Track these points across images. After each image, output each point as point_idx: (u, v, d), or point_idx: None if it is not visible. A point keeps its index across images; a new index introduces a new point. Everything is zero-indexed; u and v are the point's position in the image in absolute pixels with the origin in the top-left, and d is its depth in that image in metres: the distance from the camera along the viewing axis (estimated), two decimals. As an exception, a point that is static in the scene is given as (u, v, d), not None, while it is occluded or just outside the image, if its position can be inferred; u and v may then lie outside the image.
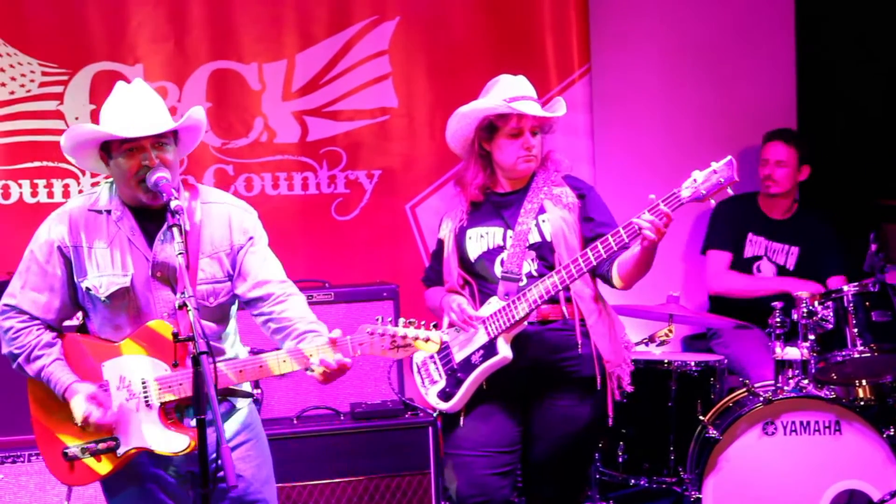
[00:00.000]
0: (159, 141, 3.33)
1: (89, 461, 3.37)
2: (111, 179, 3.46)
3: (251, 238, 3.48)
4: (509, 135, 3.97)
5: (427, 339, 3.27)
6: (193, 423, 3.34)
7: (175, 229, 3.21)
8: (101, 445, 3.34)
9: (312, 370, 3.29)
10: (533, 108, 3.94)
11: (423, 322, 3.29)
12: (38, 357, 3.39)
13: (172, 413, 3.35)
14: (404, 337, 3.26)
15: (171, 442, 3.32)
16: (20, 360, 3.41)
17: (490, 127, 3.99)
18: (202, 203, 3.47)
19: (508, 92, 3.98)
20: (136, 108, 3.33)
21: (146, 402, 3.33)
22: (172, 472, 3.44)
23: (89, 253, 3.38)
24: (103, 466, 3.38)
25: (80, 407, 3.31)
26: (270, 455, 3.60)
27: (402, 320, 3.29)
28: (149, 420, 3.33)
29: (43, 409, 3.46)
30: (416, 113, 5.72)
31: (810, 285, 5.40)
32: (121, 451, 3.35)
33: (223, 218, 3.47)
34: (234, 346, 3.54)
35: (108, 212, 3.40)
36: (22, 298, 3.42)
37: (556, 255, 3.92)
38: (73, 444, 3.36)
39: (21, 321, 3.42)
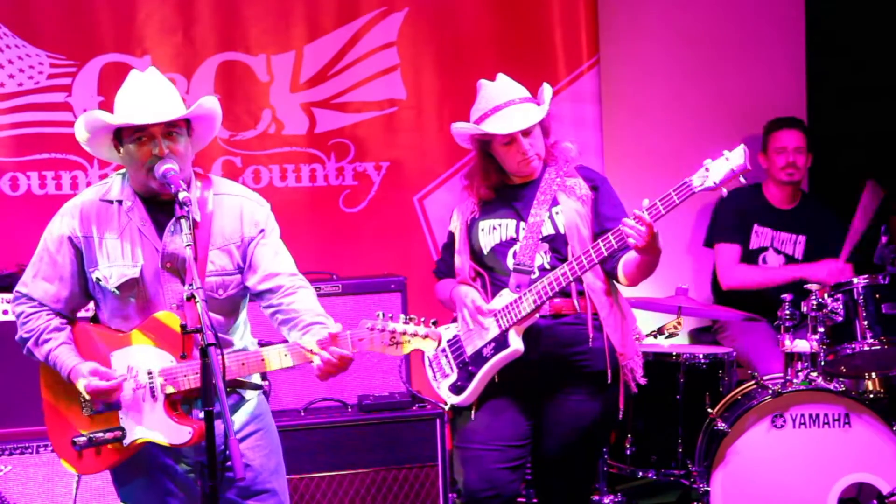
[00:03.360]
0: (170, 130, 3.32)
1: (97, 450, 3.39)
2: (123, 171, 3.47)
3: (262, 231, 3.47)
4: (502, 145, 3.95)
5: (426, 336, 3.25)
6: (201, 415, 3.35)
7: (183, 221, 3.20)
8: (108, 435, 3.36)
9: (314, 363, 3.28)
10: (508, 123, 3.89)
11: (422, 319, 3.28)
12: (46, 341, 3.41)
13: (179, 405, 3.35)
14: (403, 333, 3.24)
15: (174, 433, 3.32)
16: (29, 343, 3.44)
17: (483, 140, 3.98)
18: (214, 194, 3.47)
19: (486, 104, 3.95)
20: (147, 96, 3.32)
21: (151, 392, 3.34)
22: (182, 463, 3.45)
23: (100, 244, 3.39)
24: (111, 456, 3.40)
25: (83, 383, 3.32)
26: (281, 446, 3.60)
27: (402, 316, 3.27)
28: (154, 411, 3.34)
29: (54, 397, 3.48)
30: (425, 105, 5.72)
31: (825, 266, 5.38)
32: (127, 440, 3.37)
33: (235, 210, 3.46)
34: (242, 338, 3.54)
35: (120, 202, 3.41)
36: (33, 287, 3.45)
37: (569, 248, 3.91)
38: (82, 433, 3.38)
39: (31, 307, 3.45)
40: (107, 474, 3.55)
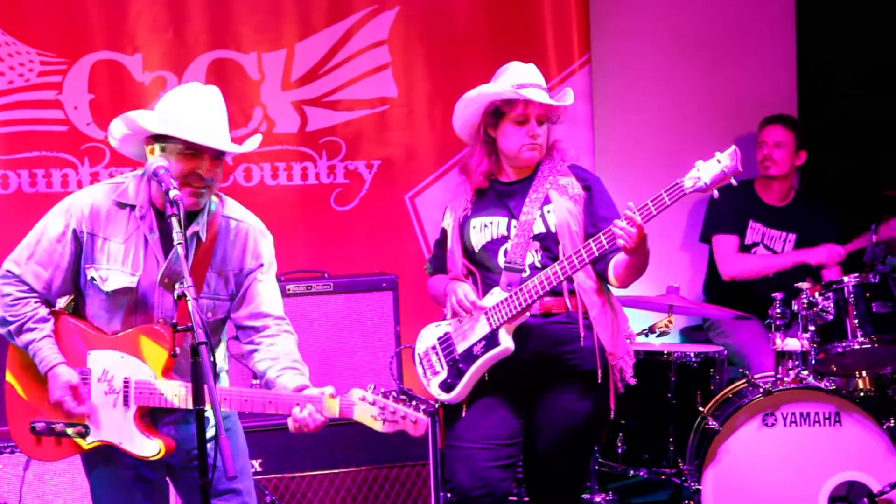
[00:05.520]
0: (219, 154, 3.34)
1: (56, 440, 3.38)
2: (136, 173, 3.44)
3: (261, 265, 3.47)
4: (515, 121, 3.94)
5: (416, 422, 3.25)
6: (168, 428, 3.38)
7: (174, 219, 3.18)
8: (71, 430, 3.35)
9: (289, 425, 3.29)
10: (540, 96, 3.92)
11: (414, 402, 3.27)
12: (31, 330, 3.37)
13: (147, 416, 3.35)
14: (394, 412, 3.24)
15: (142, 445, 3.33)
16: (12, 328, 3.39)
17: (496, 112, 3.96)
18: (223, 215, 3.46)
19: (517, 78, 3.95)
20: (217, 118, 3.34)
21: (125, 400, 3.33)
22: (147, 464, 3.44)
23: (103, 244, 3.37)
24: (69, 449, 3.39)
25: (57, 390, 3.32)
26: (247, 447, 3.60)
27: (393, 393, 3.26)
28: (124, 419, 3.33)
29: (21, 377, 3.44)
30: (416, 103, 5.71)
31: (826, 250, 5.38)
32: (89, 439, 3.36)
33: (240, 237, 3.46)
34: (223, 359, 3.55)
35: (133, 207, 3.38)
36: (25, 269, 3.40)
37: (560, 247, 3.90)
38: (43, 420, 3.36)
39: (20, 290, 3.40)
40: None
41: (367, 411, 3.24)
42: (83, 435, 3.35)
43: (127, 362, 3.34)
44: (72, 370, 3.35)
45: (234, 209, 3.51)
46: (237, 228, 3.46)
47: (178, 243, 3.16)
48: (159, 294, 3.36)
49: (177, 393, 3.29)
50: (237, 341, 3.55)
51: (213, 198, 3.45)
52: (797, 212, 5.69)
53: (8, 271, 3.43)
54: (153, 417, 3.37)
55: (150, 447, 3.32)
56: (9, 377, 3.48)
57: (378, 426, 3.25)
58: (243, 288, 3.45)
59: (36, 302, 3.41)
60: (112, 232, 3.37)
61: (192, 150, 3.29)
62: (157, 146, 3.32)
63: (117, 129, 3.38)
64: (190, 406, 3.13)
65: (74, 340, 3.40)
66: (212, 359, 3.04)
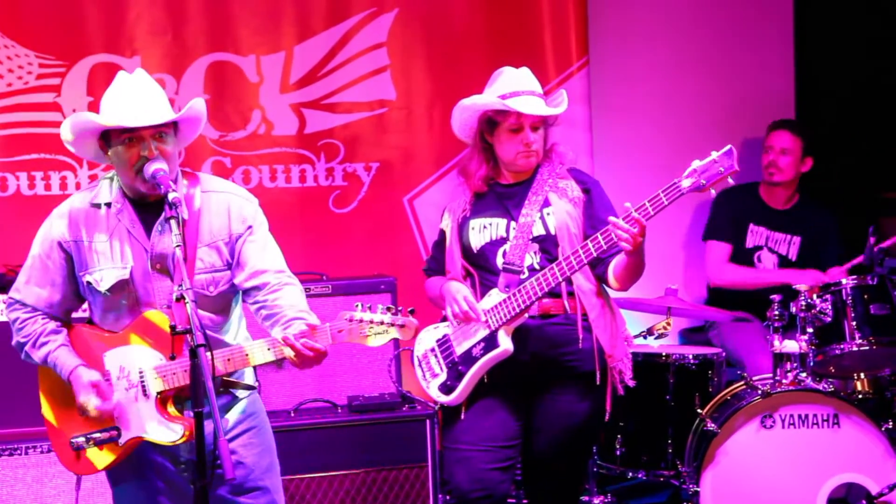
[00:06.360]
0: (159, 132, 3.33)
1: (94, 450, 3.41)
2: (111, 173, 3.48)
3: (250, 227, 3.48)
4: (509, 130, 3.95)
5: (403, 326, 3.27)
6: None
7: (172, 221, 3.20)
8: (104, 435, 3.38)
9: (288, 356, 3.29)
10: (530, 106, 3.91)
11: (399, 308, 3.29)
12: (44, 343, 3.44)
13: (171, 403, 3.36)
14: (381, 323, 3.26)
15: (166, 432, 3.34)
16: (27, 347, 3.47)
17: (490, 121, 3.98)
18: (202, 191, 3.48)
19: (508, 87, 3.96)
20: (137, 98, 3.33)
21: (143, 391, 3.34)
22: (175, 462, 3.46)
23: (90, 247, 3.40)
24: (108, 456, 3.42)
25: (81, 392, 3.36)
26: (275, 444, 3.61)
27: (380, 307, 3.28)
28: (146, 409, 3.35)
29: (52, 399, 3.51)
30: (415, 105, 5.72)
31: (810, 275, 5.39)
32: (122, 440, 3.39)
33: (222, 207, 3.47)
34: (236, 337, 3.54)
35: (109, 205, 3.42)
36: (26, 293, 3.48)
37: (559, 249, 3.91)
38: (78, 434, 3.39)
39: (26, 312, 3.48)
40: (98, 475, 3.56)
41: (357, 330, 3.26)
42: (116, 438, 3.39)
43: (138, 353, 3.37)
44: (92, 370, 3.39)
45: (212, 183, 3.54)
46: (218, 199, 3.48)
47: (178, 245, 3.17)
48: (155, 280, 3.38)
49: (187, 368, 3.28)
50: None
51: (184, 180, 3.46)
52: (801, 214, 5.69)
53: (10, 298, 3.52)
54: (180, 406, 3.38)
55: (175, 431, 3.33)
56: (43, 401, 3.53)
57: (372, 341, 3.27)
58: (237, 253, 3.45)
59: (43, 318, 3.48)
60: (94, 233, 3.41)
61: (129, 137, 3.31)
62: (106, 145, 3.37)
63: (65, 133, 3.41)
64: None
65: (89, 347, 3.44)
66: (209, 356, 3.04)
